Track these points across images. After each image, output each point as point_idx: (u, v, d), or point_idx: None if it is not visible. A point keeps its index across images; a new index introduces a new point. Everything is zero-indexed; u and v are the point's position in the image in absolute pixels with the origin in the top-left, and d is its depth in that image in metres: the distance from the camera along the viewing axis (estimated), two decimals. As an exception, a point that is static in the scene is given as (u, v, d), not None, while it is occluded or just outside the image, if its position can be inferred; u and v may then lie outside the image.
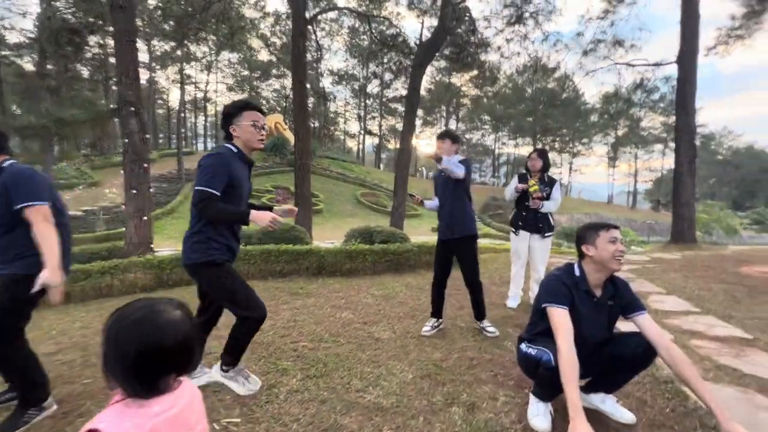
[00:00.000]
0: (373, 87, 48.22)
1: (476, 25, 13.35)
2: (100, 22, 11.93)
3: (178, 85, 32.84)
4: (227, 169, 1.91)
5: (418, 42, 13.83)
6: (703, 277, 5.29)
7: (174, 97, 44.64)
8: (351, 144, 56.50)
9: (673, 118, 27.13)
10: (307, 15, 11.01)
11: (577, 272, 1.85)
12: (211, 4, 10.68)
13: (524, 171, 3.88)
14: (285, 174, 26.55)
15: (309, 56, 38.08)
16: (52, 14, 12.49)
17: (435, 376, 2.29)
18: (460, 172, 2.92)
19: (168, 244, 11.83)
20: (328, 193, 25.40)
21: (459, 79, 41.13)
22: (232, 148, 2.02)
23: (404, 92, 40.51)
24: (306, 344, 2.79)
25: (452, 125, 47.07)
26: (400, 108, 46.10)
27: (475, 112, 49.48)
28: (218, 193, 1.87)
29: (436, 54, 12.67)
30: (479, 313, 3.14)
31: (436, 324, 3.15)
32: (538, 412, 1.82)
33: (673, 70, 11.47)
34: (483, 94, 42.99)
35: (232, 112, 2.03)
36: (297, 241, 6.62)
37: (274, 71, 41.53)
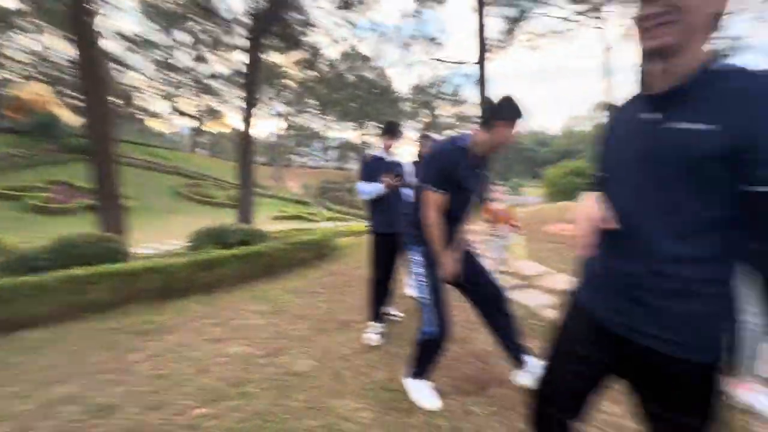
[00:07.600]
0: (182, 59, 41.13)
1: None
2: None
3: None
4: None
5: (252, 12, 12.22)
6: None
7: None
8: (154, 125, 47.39)
9: (460, 108, 36.18)
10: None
11: None
12: None
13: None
14: (60, 165, 20.06)
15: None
16: None
17: (394, 404, 1.96)
18: None
19: None
20: (137, 187, 20.44)
21: (283, 59, 39.42)
22: None
23: (221, 69, 36.49)
24: (201, 410, 1.99)
25: (280, 107, 44.93)
26: (218, 86, 41.32)
27: (304, 95, 48.77)
28: None
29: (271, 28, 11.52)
30: None
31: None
32: None
33: (472, 68, 14.66)
34: (310, 77, 42.58)
35: None
36: (109, 256, 4.94)
37: (19, 20, 30.09)
